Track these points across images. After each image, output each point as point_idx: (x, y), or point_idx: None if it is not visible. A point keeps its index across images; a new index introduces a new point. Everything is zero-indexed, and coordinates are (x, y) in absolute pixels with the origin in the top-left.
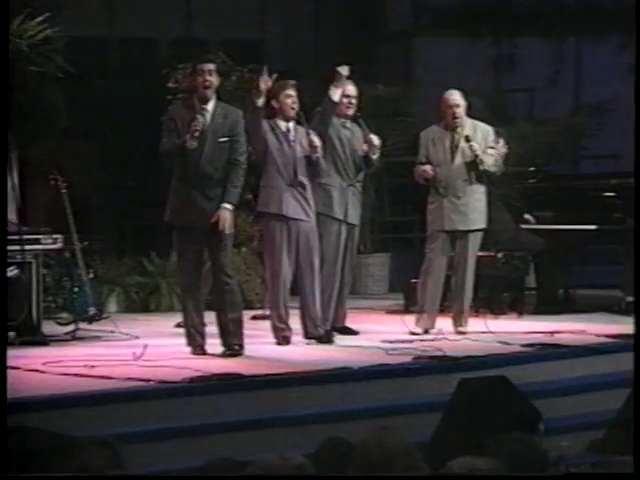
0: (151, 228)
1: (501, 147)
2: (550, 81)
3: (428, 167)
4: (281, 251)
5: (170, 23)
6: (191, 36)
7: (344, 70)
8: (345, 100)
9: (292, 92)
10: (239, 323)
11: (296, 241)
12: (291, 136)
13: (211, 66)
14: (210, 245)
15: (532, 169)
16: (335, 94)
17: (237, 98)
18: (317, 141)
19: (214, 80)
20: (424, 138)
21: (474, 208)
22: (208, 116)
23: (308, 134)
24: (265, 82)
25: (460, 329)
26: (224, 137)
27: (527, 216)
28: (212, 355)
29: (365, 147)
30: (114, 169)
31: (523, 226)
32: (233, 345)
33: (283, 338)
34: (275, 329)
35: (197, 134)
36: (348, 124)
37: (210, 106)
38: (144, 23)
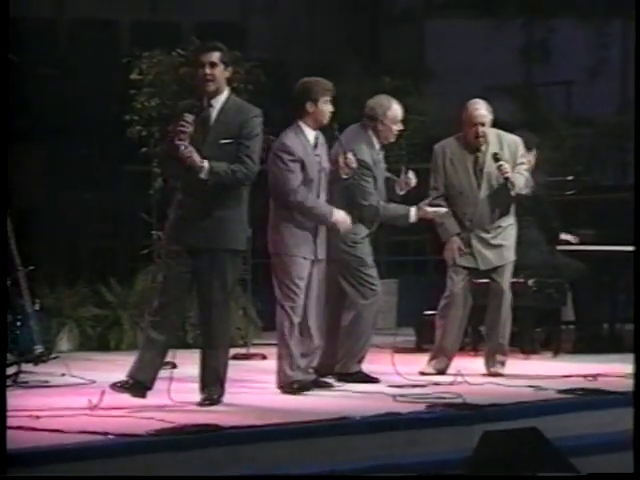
0: (110, 250)
1: (530, 157)
2: (592, 73)
3: (440, 210)
4: (310, 296)
5: (133, 2)
6: (158, 18)
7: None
8: (395, 127)
9: (330, 97)
10: (224, 369)
11: (319, 279)
12: (318, 150)
13: (214, 56)
14: (204, 272)
15: (570, 178)
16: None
17: None
18: (355, 162)
19: (218, 72)
20: (439, 155)
21: (505, 239)
22: (214, 113)
23: (344, 150)
24: None
25: (494, 370)
26: (227, 139)
27: (565, 235)
28: (182, 403)
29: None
30: (66, 178)
31: (559, 247)
32: (213, 394)
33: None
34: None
35: (184, 135)
36: (381, 154)
37: (218, 102)
38: (101, 2)
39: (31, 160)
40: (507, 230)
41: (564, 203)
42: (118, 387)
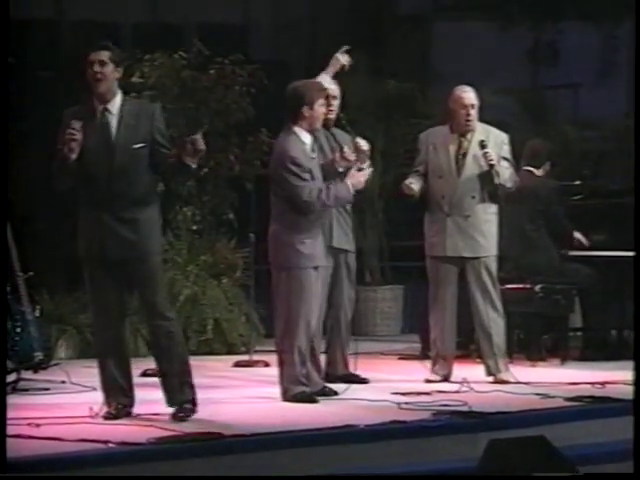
0: None
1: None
2: (600, 75)
3: (410, 182)
4: (312, 300)
5: (133, 3)
6: (159, 20)
7: (343, 58)
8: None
9: (324, 98)
10: (187, 374)
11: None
12: (314, 153)
13: (104, 54)
14: (135, 282)
15: (577, 183)
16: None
17: (216, 96)
18: (352, 156)
19: (108, 72)
20: (423, 141)
21: (484, 231)
22: (113, 120)
23: (340, 145)
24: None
25: (500, 377)
26: (138, 143)
27: (577, 235)
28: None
29: (352, 157)
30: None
31: (571, 253)
32: (183, 403)
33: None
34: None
35: (74, 144)
36: (332, 131)
37: (115, 106)
38: (101, 3)
39: (30, 163)
40: (486, 225)
41: (571, 208)
42: (112, 418)
